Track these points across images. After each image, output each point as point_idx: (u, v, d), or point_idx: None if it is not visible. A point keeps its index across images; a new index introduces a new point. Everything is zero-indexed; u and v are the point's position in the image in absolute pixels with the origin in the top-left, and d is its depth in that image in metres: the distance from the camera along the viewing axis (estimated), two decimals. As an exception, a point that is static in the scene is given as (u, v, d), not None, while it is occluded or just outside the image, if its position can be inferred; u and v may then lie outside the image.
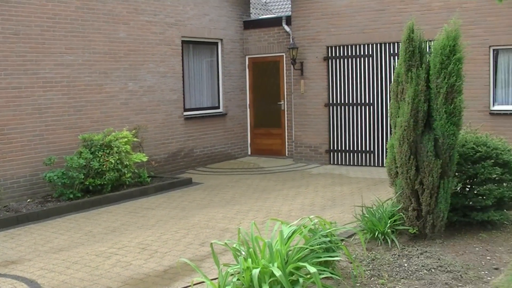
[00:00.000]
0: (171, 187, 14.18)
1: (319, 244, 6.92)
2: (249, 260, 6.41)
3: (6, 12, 12.34)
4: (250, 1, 20.21)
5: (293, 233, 6.89)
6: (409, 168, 8.56)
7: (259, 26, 19.00)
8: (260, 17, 21.23)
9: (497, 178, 9.38)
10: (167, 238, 9.66)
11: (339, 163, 17.24)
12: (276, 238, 6.79)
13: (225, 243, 6.82)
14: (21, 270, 8.31)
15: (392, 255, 8.10)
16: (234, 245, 6.79)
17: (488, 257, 8.07)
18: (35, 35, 12.87)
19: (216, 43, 18.28)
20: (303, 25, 17.42)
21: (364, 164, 16.88)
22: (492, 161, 9.25)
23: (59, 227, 10.77)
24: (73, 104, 13.64)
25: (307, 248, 6.72)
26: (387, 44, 16.27)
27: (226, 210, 11.62)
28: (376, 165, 16.60)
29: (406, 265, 7.69)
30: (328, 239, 7.10)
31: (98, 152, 12.84)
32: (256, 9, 24.80)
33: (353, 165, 17.02)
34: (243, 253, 6.64)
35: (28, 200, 12.47)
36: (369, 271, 7.46)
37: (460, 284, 7.00)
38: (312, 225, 7.15)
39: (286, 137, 18.73)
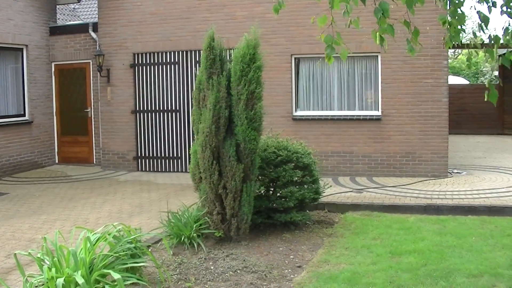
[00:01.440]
0: (-27, 198, 13.67)
1: (125, 251, 6.97)
2: (54, 269, 6.37)
3: None
4: (58, 7, 19.82)
5: (97, 240, 6.92)
6: (212, 173, 8.78)
7: (65, 32, 18.61)
8: (66, 23, 20.82)
9: (298, 181, 9.85)
10: (-30, 252, 9.34)
11: (147, 170, 17.27)
12: (81, 246, 6.79)
13: (29, 253, 6.73)
14: None
15: (198, 258, 8.30)
16: (39, 255, 6.72)
17: (291, 256, 8.47)
18: None
19: (21, 49, 17.72)
20: (110, 32, 17.31)
21: (172, 170, 17.01)
22: (293, 164, 9.69)
23: None
24: None
25: (112, 255, 6.76)
26: (193, 51, 16.52)
27: (32, 220, 11.36)
28: (183, 171, 16.74)
29: (212, 267, 7.91)
30: (134, 245, 7.17)
31: None
32: (64, 14, 24.33)
33: (161, 171, 17.11)
34: (48, 262, 6.59)
35: None
36: (176, 275, 7.61)
37: (264, 284, 7.31)
38: (117, 232, 7.20)
39: (94, 144, 18.47)
